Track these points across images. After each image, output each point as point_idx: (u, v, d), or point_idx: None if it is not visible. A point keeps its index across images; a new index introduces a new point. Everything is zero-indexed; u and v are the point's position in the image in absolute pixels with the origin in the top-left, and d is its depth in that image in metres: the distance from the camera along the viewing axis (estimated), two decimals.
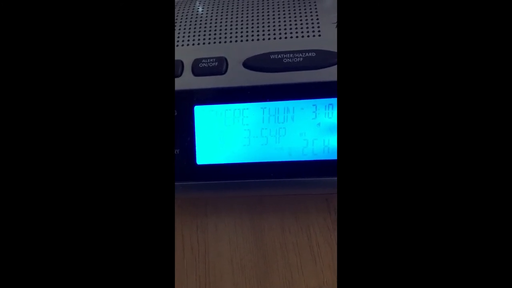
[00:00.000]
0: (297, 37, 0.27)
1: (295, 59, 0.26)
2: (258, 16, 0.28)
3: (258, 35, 0.27)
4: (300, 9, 0.28)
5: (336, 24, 0.27)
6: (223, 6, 0.29)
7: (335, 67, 0.25)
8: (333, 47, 0.26)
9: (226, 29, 0.28)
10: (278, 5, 0.29)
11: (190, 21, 0.28)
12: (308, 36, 0.27)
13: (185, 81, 0.26)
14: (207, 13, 0.29)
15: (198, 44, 0.27)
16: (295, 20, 0.27)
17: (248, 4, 0.29)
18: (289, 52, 0.26)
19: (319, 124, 0.25)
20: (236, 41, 0.27)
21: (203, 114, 0.26)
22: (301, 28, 0.27)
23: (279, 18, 0.28)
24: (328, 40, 0.26)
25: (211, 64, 0.26)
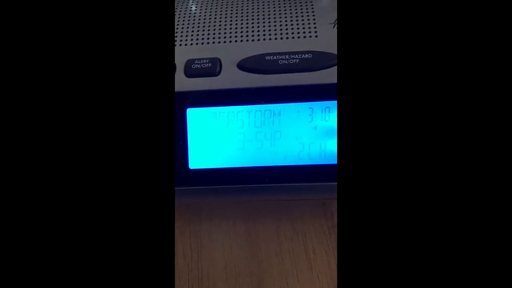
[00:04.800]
0: (293, 38, 0.26)
1: (291, 61, 0.25)
2: (253, 16, 0.27)
3: (253, 35, 0.26)
4: (296, 9, 0.27)
5: (333, 24, 0.26)
6: (217, 6, 0.29)
7: (332, 69, 0.24)
8: (330, 48, 0.25)
9: (220, 29, 0.27)
10: (274, 5, 0.28)
11: (183, 21, 0.28)
12: (304, 37, 0.26)
13: (177, 83, 0.25)
14: (200, 13, 0.28)
15: (191, 44, 0.26)
16: (291, 21, 0.27)
17: (243, 4, 0.28)
18: (285, 53, 0.25)
19: (315, 127, 0.25)
20: (230, 41, 0.26)
21: (195, 117, 0.25)
22: (297, 28, 0.26)
23: (274, 18, 0.27)
24: (325, 41, 0.25)
25: (204, 65, 0.25)
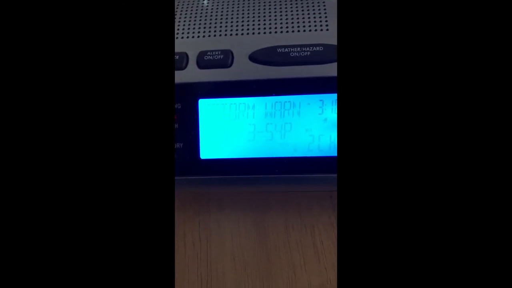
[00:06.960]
0: (304, 31, 0.26)
1: (302, 53, 0.25)
2: (265, 8, 0.28)
3: (265, 28, 0.27)
4: (307, 3, 0.28)
5: None
6: None
7: None
8: None
9: (232, 22, 0.27)
10: None
11: (196, 13, 0.28)
12: (315, 30, 0.26)
13: (189, 74, 0.25)
14: (213, 5, 0.28)
15: (204, 36, 0.27)
16: (303, 14, 0.27)
17: None
18: (296, 46, 0.25)
19: (325, 119, 0.25)
20: (242, 34, 0.27)
21: (207, 108, 0.25)
22: (309, 21, 0.27)
23: (286, 11, 0.27)
24: (336, 35, 0.26)
25: (216, 57, 0.26)
